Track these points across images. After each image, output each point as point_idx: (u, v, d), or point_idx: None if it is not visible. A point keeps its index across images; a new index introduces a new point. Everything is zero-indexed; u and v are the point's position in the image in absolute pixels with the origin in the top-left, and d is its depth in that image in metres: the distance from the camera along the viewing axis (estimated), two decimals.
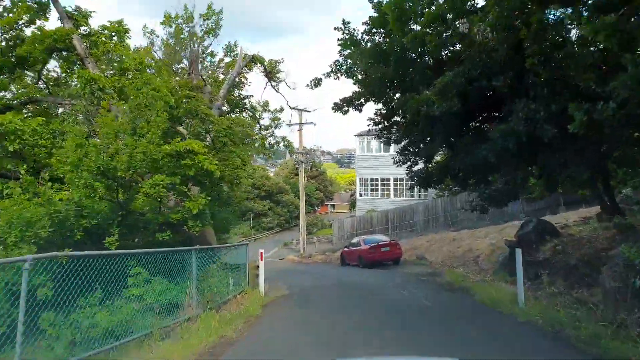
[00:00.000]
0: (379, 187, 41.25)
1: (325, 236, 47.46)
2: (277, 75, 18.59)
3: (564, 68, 8.12)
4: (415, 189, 39.68)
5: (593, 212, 16.35)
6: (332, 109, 12.87)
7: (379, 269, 20.85)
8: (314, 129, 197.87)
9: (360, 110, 12.75)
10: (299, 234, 37.40)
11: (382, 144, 41.18)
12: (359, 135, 41.96)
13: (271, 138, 21.38)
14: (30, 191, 9.37)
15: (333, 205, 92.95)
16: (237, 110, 19.09)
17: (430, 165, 12.52)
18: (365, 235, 28.13)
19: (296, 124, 35.73)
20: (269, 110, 20.96)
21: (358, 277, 17.69)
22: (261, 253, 12.16)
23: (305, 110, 35.94)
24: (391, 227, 34.27)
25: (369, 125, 14.32)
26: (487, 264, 18.32)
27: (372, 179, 41.75)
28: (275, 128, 21.18)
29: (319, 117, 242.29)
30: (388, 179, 40.83)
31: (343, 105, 12.72)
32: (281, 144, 21.47)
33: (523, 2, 8.15)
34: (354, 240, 24.65)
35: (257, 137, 19.50)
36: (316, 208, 77.93)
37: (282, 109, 21.12)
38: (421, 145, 12.24)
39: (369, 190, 41.85)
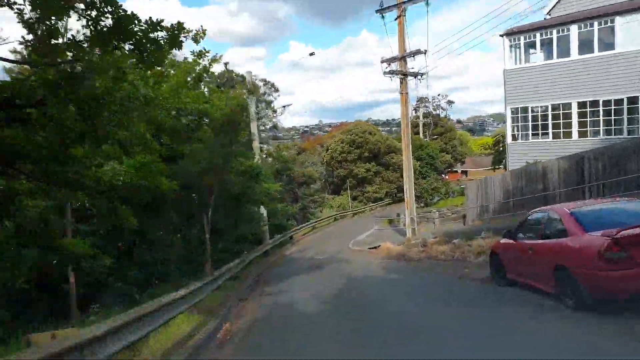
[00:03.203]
0: (549, 122, 23.37)
1: (453, 207, 31.00)
2: None
3: None
4: (625, 119, 21.26)
5: None
6: None
7: None
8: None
9: None
10: (405, 206, 21.60)
11: (555, 46, 23.21)
12: (510, 34, 24.29)
13: None
14: None
15: (465, 172, 74.05)
16: None
17: None
18: (566, 202, 11.89)
19: (391, 6, 19.82)
20: None
21: None
22: None
23: None
24: (590, 187, 16.75)
25: None
26: None
27: (535, 109, 24.04)
28: None
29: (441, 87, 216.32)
30: (566, 107, 22.78)
31: None
32: None
33: None
34: (535, 215, 8.43)
35: None
36: (443, 175, 60.27)
37: None
38: None
39: (529, 128, 24.17)
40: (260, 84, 36.35)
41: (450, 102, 72.93)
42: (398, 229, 26.42)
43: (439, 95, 72.65)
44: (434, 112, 69.90)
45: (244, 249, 18.82)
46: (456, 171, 68.38)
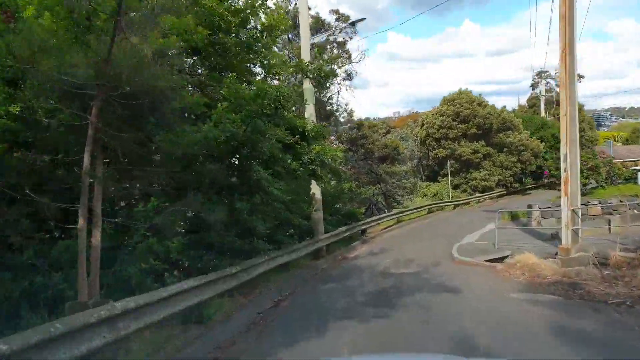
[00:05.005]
0: None
1: (625, 197, 20.82)
2: None
3: None
4: None
5: None
6: None
7: None
8: None
9: None
10: (562, 190, 12.29)
11: None
12: None
13: None
14: None
15: None
16: None
17: None
18: None
19: None
20: None
21: None
22: None
23: None
24: None
25: None
26: None
27: None
28: None
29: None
30: None
31: None
32: None
33: None
34: None
35: None
36: None
37: None
38: None
39: None
40: (332, 17, 26.96)
41: (579, 77, 58.77)
42: (528, 229, 17.00)
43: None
44: (557, 90, 57.15)
45: (269, 246, 11.04)
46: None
